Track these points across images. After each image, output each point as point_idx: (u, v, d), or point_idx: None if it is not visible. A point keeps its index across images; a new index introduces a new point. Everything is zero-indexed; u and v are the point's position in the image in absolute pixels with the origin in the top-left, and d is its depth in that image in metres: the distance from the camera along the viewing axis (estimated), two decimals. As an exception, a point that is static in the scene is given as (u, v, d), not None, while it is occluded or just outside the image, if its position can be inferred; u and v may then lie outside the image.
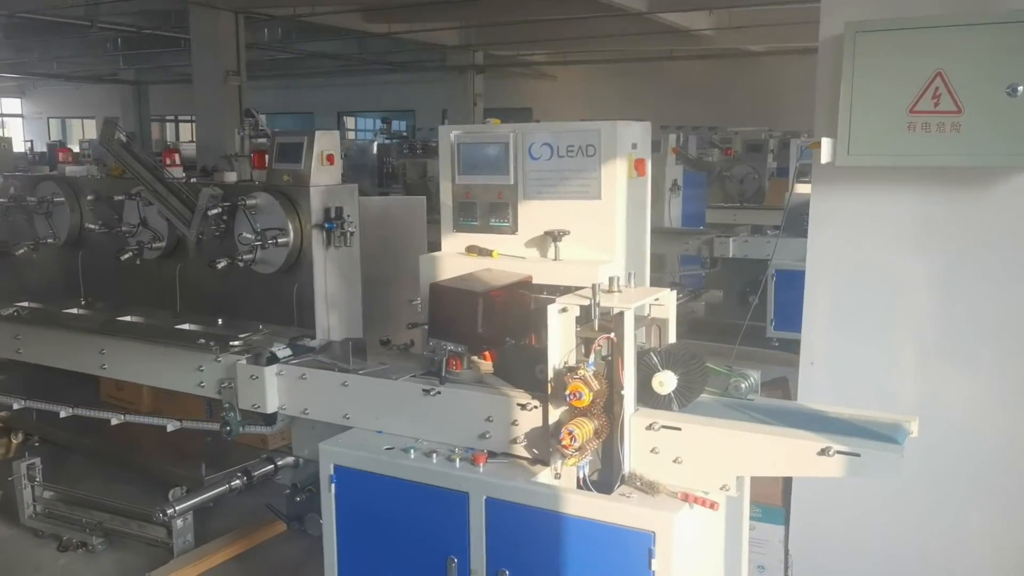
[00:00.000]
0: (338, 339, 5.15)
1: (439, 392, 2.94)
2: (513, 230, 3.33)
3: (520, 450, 2.81)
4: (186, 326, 3.93)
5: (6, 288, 6.83)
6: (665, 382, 2.63)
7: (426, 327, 3.08)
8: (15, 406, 4.39)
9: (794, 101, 16.08)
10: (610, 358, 2.67)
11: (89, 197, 5.90)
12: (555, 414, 2.73)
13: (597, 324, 2.68)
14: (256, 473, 3.81)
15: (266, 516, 4.40)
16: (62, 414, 4.22)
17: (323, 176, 5.01)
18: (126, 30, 17.58)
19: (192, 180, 5.61)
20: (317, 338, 3.72)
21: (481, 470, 2.74)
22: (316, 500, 3.14)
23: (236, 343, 3.43)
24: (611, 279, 2.76)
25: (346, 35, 17.81)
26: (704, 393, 2.79)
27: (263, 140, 5.50)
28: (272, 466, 3.84)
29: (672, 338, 2.89)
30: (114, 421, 4.05)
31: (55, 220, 6.00)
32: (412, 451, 2.88)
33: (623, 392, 2.62)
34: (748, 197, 11.32)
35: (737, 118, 14.75)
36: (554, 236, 3.16)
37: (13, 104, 32.54)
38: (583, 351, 2.74)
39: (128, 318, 4.10)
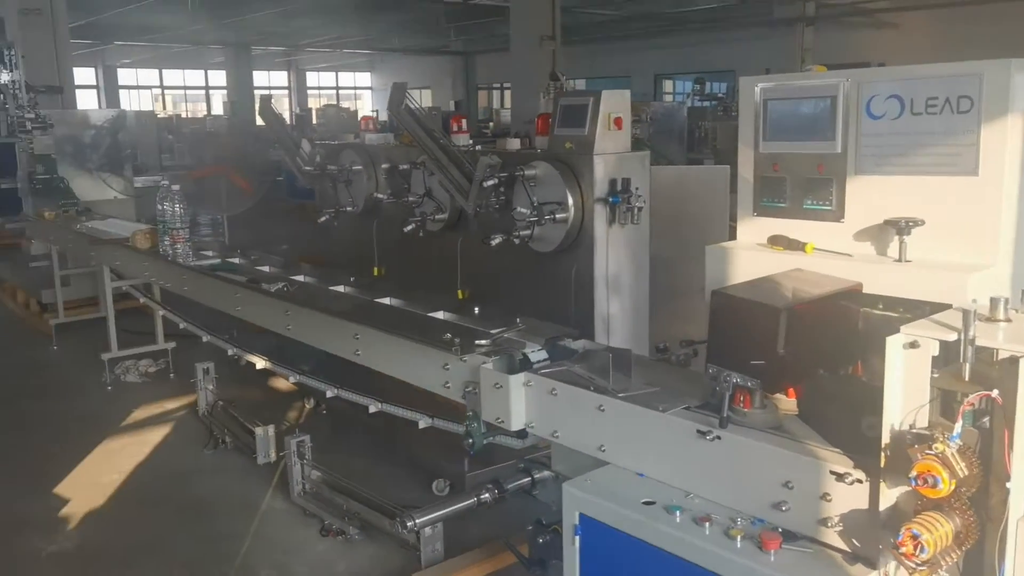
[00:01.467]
0: (620, 331, 4.58)
1: (718, 437, 2.17)
2: (837, 216, 2.44)
3: (832, 537, 1.97)
4: (440, 314, 3.51)
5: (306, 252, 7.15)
6: (1084, 473, 1.64)
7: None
8: (290, 379, 4.34)
9: None
10: (988, 426, 1.73)
11: (384, 165, 5.84)
12: (890, 496, 1.85)
13: (969, 371, 1.74)
14: (510, 487, 3.32)
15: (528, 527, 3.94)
16: (328, 394, 4.07)
17: (610, 142, 4.37)
18: (453, 1, 18.30)
19: (476, 148, 5.28)
20: (582, 340, 3.10)
21: (772, 559, 1.95)
22: (560, 541, 2.55)
23: (482, 342, 2.91)
24: (995, 301, 1.79)
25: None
26: None
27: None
28: (528, 479, 3.32)
29: (1093, 397, 1.84)
30: (372, 409, 3.79)
31: (354, 188, 6.04)
32: (678, 512, 2.15)
33: (1008, 484, 1.67)
34: None
35: None
36: (899, 227, 2.23)
37: (364, 78, 35.99)
38: (943, 410, 1.82)
39: (387, 300, 3.79)
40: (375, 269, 6.10)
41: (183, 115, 26.01)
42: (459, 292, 5.35)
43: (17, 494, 4.55)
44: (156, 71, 30.84)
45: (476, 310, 3.44)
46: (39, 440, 5.36)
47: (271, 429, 4.56)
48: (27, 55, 8.98)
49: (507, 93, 29.98)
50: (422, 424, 3.55)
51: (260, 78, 30.49)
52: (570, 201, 4.34)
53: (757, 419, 2.20)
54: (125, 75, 30.34)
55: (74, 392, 6.24)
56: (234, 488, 4.56)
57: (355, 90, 36.21)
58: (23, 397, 6.12)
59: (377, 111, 29.73)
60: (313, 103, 31.91)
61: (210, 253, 5.01)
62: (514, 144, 5.07)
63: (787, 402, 2.26)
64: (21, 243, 9.04)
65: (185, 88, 32.19)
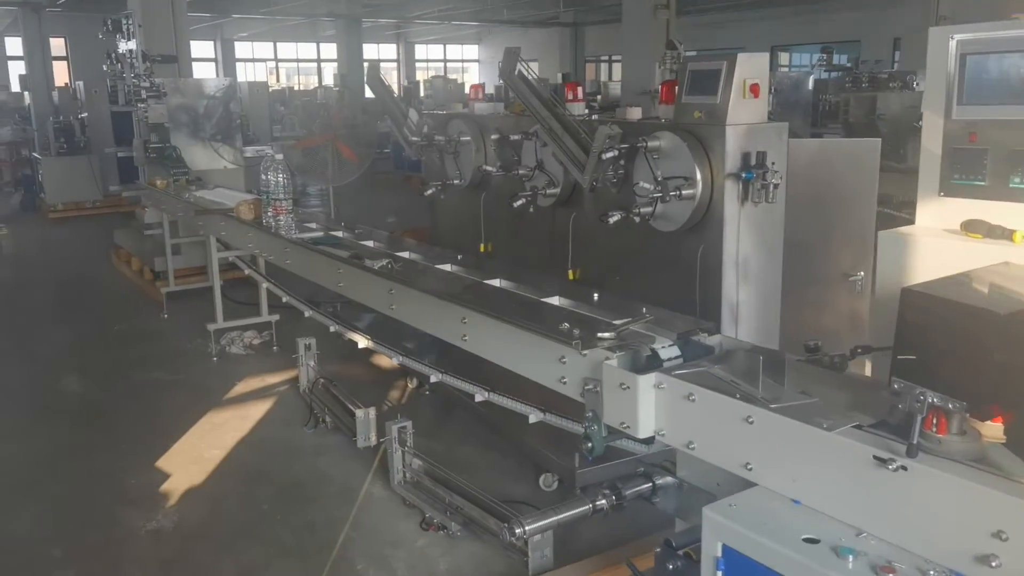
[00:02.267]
0: (749, 320, 4.15)
1: (903, 468, 1.77)
2: (1057, 198, 1.98)
3: (1060, 606, 1.56)
4: (555, 300, 3.18)
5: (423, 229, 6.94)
6: None
7: (892, 354, 1.90)
8: (394, 360, 4.11)
9: None
10: None
11: (493, 136, 5.56)
12: None
13: None
14: (628, 492, 2.98)
15: (647, 536, 3.62)
16: (432, 379, 3.82)
17: (744, 112, 3.93)
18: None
19: (592, 118, 4.92)
20: (718, 336, 2.71)
21: (978, 629, 1.56)
22: (695, 571, 2.21)
23: (606, 335, 2.57)
24: None
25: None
26: None
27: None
28: (649, 485, 2.98)
29: None
30: (478, 398, 3.53)
31: (462, 160, 5.79)
32: (851, 556, 1.77)
33: None
34: None
35: None
36: None
37: (472, 50, 35.87)
38: None
39: (497, 282, 3.48)
40: (482, 245, 5.83)
41: (295, 87, 26.47)
42: (570, 272, 5.02)
43: (121, 466, 4.52)
44: (271, 44, 31.51)
45: (595, 296, 3.09)
46: (146, 411, 5.35)
47: (372, 412, 4.36)
48: (144, 25, 9.08)
49: (615, 66, 29.25)
50: (533, 419, 3.25)
51: (370, 51, 30.70)
52: (698, 176, 3.94)
53: (954, 448, 1.78)
54: (242, 48, 31.13)
55: (181, 362, 6.24)
56: (333, 471, 4.39)
57: (462, 63, 36.15)
58: (134, 367, 6.16)
59: (484, 83, 29.51)
60: (420, 76, 32.01)
61: (314, 226, 4.83)
62: (635, 113, 4.68)
63: (990, 428, 1.83)
64: (136, 210, 9.24)
65: (298, 61, 32.80)
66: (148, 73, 8.26)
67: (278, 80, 30.12)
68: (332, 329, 4.58)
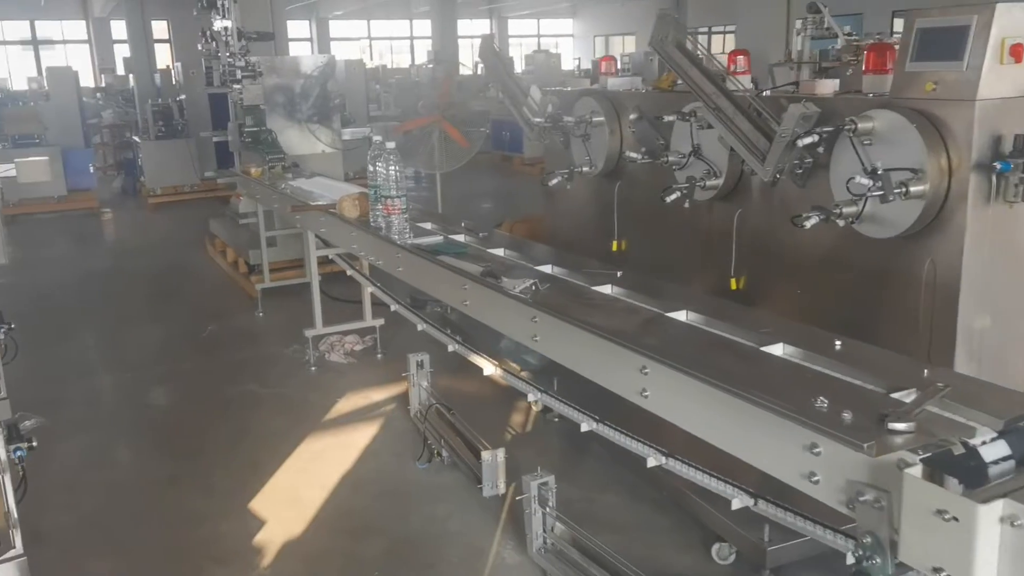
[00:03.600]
0: (991, 358, 3.21)
1: None
2: None
3: None
4: (779, 349, 2.29)
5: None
6: None
7: None
8: (530, 397, 3.34)
9: None
10: None
11: (631, 116, 4.72)
12: None
13: None
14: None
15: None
16: (583, 427, 3.03)
17: (1001, 82, 2.98)
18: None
19: (764, 93, 4.01)
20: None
21: None
22: None
23: (901, 427, 1.70)
24: None
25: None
26: None
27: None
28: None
29: None
30: (651, 463, 2.71)
31: (593, 144, 4.98)
32: None
33: None
34: None
35: None
36: None
37: (565, 24, 34.81)
38: None
39: (683, 315, 2.64)
40: (614, 243, 5.02)
41: (388, 66, 26.00)
42: (732, 281, 4.16)
43: (210, 508, 3.88)
44: (364, 22, 31.16)
45: (837, 344, 2.22)
46: (238, 433, 4.72)
47: (500, 454, 3.61)
48: (240, 0, 8.51)
49: (714, 38, 27.65)
50: (737, 504, 2.41)
51: (463, 26, 30.04)
52: (928, 167, 3.01)
53: None
54: (336, 28, 30.89)
55: (277, 372, 5.62)
56: (454, 524, 3.66)
57: (556, 38, 35.13)
58: (227, 377, 5.57)
59: (579, 59, 28.42)
60: (514, 52, 31.17)
61: (429, 227, 4.08)
62: (826, 87, 3.75)
63: None
64: (232, 198, 8.76)
65: (391, 39, 32.41)
66: (244, 52, 7.68)
67: (371, 58, 29.74)
68: (451, 349, 3.85)
